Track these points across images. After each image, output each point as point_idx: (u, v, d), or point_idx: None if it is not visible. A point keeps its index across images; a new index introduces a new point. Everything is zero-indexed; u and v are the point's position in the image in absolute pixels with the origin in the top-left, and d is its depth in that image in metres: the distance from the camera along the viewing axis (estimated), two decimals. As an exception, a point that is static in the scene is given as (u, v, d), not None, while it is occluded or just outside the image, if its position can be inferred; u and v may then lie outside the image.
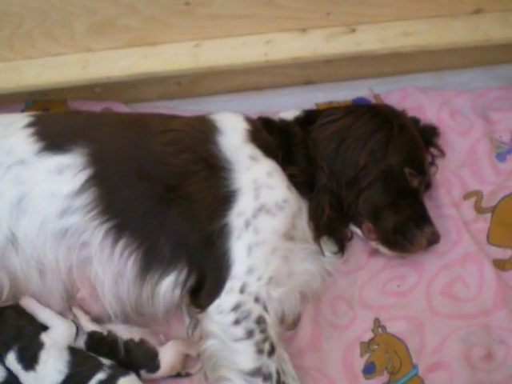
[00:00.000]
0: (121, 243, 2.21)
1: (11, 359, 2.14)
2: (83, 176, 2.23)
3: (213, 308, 2.18)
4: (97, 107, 2.87)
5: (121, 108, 2.88)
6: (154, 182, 2.25)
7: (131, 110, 2.87)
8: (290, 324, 2.36)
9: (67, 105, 2.91)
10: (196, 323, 2.33)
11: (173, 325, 2.39)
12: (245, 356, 2.13)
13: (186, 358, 2.31)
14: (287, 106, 2.77)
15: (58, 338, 2.19)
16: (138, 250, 2.22)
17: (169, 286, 2.24)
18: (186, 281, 2.24)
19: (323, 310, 2.41)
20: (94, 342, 2.25)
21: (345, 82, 2.99)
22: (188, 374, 2.30)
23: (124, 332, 2.28)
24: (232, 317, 2.15)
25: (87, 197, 2.22)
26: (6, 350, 2.15)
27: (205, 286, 2.23)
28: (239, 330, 2.14)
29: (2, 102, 2.86)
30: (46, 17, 2.66)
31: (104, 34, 2.73)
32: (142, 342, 2.26)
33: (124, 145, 2.32)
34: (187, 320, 2.37)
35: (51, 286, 2.26)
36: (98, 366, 2.15)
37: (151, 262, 2.23)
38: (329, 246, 2.45)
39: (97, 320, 2.31)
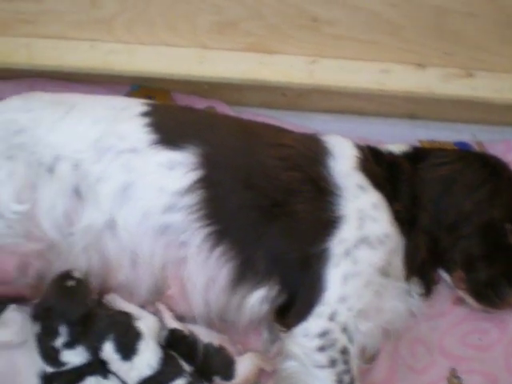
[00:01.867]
0: (219, 249, 2.21)
1: (108, 349, 2.10)
2: (193, 176, 2.23)
3: (299, 330, 2.17)
4: (201, 104, 2.86)
5: (224, 109, 2.88)
6: (261, 194, 2.25)
7: (234, 113, 2.85)
8: (368, 358, 2.34)
9: (171, 96, 2.90)
10: (274, 339, 2.33)
11: (250, 336, 2.38)
12: (324, 384, 2.12)
13: (260, 372, 2.30)
14: (387, 136, 2.78)
15: (149, 326, 2.18)
16: (235, 260, 2.21)
17: (258, 299, 2.23)
18: (275, 298, 2.24)
19: (401, 350, 2.40)
20: (175, 340, 2.24)
21: (448, 122, 2.97)
22: (259, 388, 2.29)
23: (204, 335, 2.27)
24: (317, 342, 2.15)
25: (194, 198, 2.22)
26: (101, 339, 2.11)
27: (294, 306, 2.22)
28: (323, 357, 2.14)
29: (108, 81, 2.87)
30: (172, 7, 2.66)
31: (224, 34, 2.73)
32: (221, 348, 2.25)
33: (236, 151, 2.32)
34: (265, 335, 2.36)
35: (141, 278, 2.26)
36: (181, 371, 2.14)
37: (245, 274, 2.22)
38: (415, 288, 2.43)
39: (178, 319, 2.30)
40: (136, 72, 2.78)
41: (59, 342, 2.11)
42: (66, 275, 2.21)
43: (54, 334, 2.11)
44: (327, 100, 2.91)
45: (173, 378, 2.11)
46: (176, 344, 2.25)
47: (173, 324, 2.27)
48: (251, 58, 2.75)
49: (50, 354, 2.11)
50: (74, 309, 2.14)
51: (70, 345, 2.11)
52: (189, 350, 2.24)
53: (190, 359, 2.22)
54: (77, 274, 2.22)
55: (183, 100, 2.89)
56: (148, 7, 2.67)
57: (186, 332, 2.26)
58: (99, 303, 2.25)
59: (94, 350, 2.12)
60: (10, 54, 2.82)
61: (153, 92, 2.89)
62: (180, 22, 2.70)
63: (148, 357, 2.11)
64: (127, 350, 2.11)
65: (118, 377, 2.15)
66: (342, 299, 2.18)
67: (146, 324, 2.19)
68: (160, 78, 2.81)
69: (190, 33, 2.73)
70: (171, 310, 2.30)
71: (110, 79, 2.85)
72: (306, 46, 2.73)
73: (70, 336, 2.11)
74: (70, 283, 2.19)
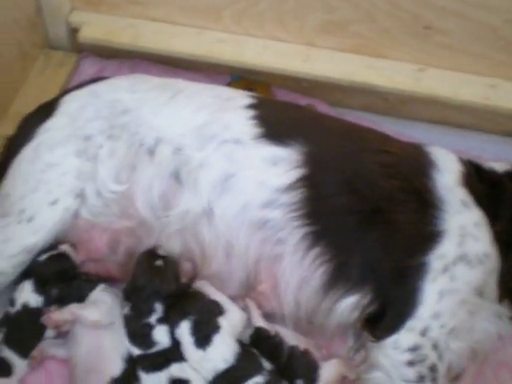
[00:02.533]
0: (315, 251, 2.18)
1: (184, 328, 2.12)
2: (296, 174, 2.21)
3: (389, 342, 2.13)
4: (301, 101, 2.85)
5: (325, 108, 2.85)
6: (362, 199, 2.21)
7: (335, 113, 2.81)
8: (452, 377, 2.29)
9: (271, 90, 2.88)
10: (359, 347, 2.30)
11: (335, 342, 2.34)
12: (410, 399, 2.08)
13: (343, 379, 2.27)
14: (487, 153, 2.76)
15: (232, 323, 2.17)
16: (330, 263, 2.18)
17: (348, 306, 2.20)
18: (366, 306, 2.20)
19: (485, 372, 2.34)
20: (260, 339, 2.23)
21: (550, 144, 2.90)
22: (341, 396, 2.25)
23: (290, 338, 2.24)
24: (407, 356, 2.11)
25: (295, 196, 2.19)
26: (182, 317, 2.13)
27: (385, 317, 2.18)
28: (411, 372, 2.10)
29: (210, 69, 2.87)
30: (284, 2, 2.66)
31: (333, 34, 2.71)
32: (307, 352, 2.22)
33: (340, 153, 2.28)
34: (350, 342, 2.33)
35: (234, 270, 2.25)
36: (259, 369, 2.11)
37: (338, 278, 2.19)
38: (506, 310, 2.36)
39: (266, 318, 2.28)
40: (240, 63, 2.78)
41: (154, 318, 2.14)
42: (152, 253, 2.23)
43: (149, 311, 2.14)
44: (429, 109, 2.87)
45: (251, 375, 2.09)
46: (260, 343, 2.23)
47: (260, 322, 2.25)
48: (357, 59, 2.73)
49: (141, 334, 2.14)
50: (165, 287, 2.17)
51: (163, 321, 2.14)
52: (273, 351, 2.21)
53: (272, 360, 2.20)
54: (162, 252, 2.23)
55: (284, 95, 2.87)
56: (260, 1, 2.66)
57: (272, 332, 2.24)
58: (188, 288, 2.26)
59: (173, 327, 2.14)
60: (116, 33, 2.85)
61: (253, 84, 2.88)
62: (290, 17, 2.69)
63: (223, 351, 2.10)
64: (202, 337, 2.11)
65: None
66: (436, 315, 2.13)
67: (229, 320, 2.18)
68: (262, 71, 2.80)
69: (298, 29, 2.72)
70: (260, 307, 2.28)
71: (212, 68, 2.86)
72: (415, 54, 2.70)
73: (164, 312, 2.15)
74: (158, 262, 2.20)
